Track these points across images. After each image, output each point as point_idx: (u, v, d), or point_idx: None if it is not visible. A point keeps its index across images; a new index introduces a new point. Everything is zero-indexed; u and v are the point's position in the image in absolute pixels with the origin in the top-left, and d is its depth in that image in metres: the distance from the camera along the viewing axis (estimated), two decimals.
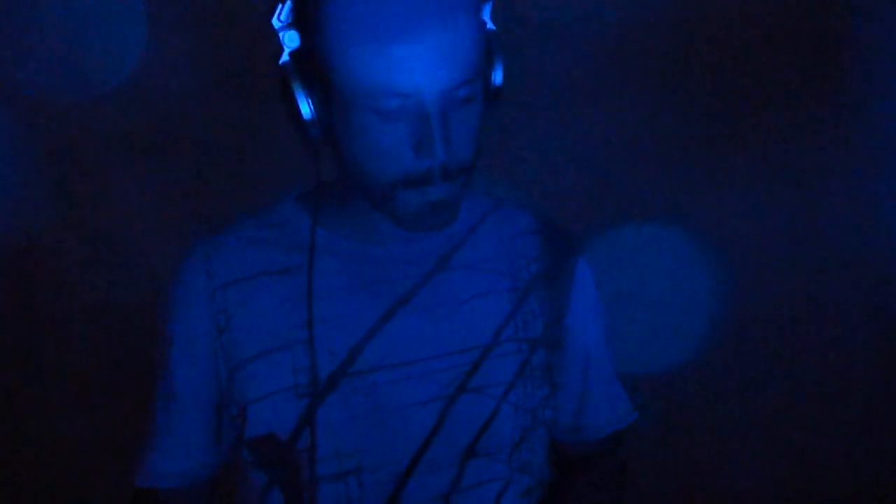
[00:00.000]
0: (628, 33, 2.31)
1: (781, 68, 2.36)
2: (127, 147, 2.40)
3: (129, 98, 2.36)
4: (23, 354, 2.43)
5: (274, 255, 1.19)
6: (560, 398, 1.26)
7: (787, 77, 2.37)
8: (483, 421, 1.16)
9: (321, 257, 1.18)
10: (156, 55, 2.35)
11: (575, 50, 2.31)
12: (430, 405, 1.15)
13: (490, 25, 1.10)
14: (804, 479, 2.45)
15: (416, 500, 1.15)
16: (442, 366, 1.16)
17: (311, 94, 1.09)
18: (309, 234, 1.18)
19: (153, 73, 2.36)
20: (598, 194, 2.34)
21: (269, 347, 1.15)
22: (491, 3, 1.10)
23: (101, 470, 2.40)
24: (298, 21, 1.08)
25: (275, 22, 1.09)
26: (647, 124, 2.32)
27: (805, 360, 2.41)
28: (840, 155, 2.39)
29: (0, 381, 2.43)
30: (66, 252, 2.41)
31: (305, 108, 1.09)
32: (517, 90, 2.42)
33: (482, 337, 1.17)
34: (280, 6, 1.08)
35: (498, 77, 1.11)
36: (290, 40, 1.09)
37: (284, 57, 1.10)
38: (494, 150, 2.46)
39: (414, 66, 1.01)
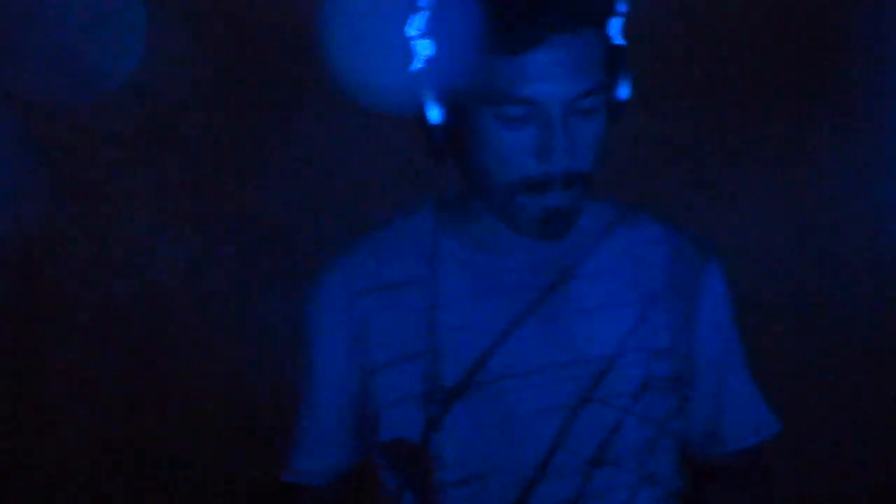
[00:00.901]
0: (630, 36, 2.30)
1: (783, 69, 2.37)
2: (127, 147, 2.40)
3: (129, 98, 2.35)
4: (23, 354, 2.43)
5: (404, 266, 1.23)
6: (693, 409, 1.27)
7: (788, 78, 2.37)
8: (608, 430, 1.19)
9: (448, 267, 1.22)
10: (156, 55, 2.35)
11: None
12: (555, 414, 1.19)
13: (619, 40, 1.14)
14: (805, 478, 2.44)
15: None
16: (567, 375, 1.19)
17: (438, 100, 1.14)
18: (434, 245, 1.23)
19: (154, 74, 2.35)
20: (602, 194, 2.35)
21: (399, 355, 1.21)
22: (622, 19, 1.14)
23: (103, 470, 2.40)
24: (434, 31, 1.13)
25: (409, 31, 1.15)
26: (647, 127, 2.31)
27: (806, 361, 2.39)
28: (842, 156, 2.39)
29: (1, 381, 2.42)
30: (67, 252, 2.41)
31: (434, 114, 1.14)
32: None
33: (607, 347, 1.20)
34: (414, 16, 1.14)
35: (623, 91, 1.16)
36: (424, 49, 1.14)
37: (417, 65, 1.15)
38: None
39: (541, 76, 1.06)
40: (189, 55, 2.36)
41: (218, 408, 2.43)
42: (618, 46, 1.14)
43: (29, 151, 2.37)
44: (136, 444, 2.43)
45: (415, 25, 1.14)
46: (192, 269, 2.42)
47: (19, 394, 2.43)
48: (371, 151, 2.43)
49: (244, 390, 2.42)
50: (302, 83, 2.37)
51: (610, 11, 1.12)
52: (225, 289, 2.44)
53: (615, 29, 1.13)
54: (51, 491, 2.43)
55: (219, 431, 2.42)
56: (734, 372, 1.32)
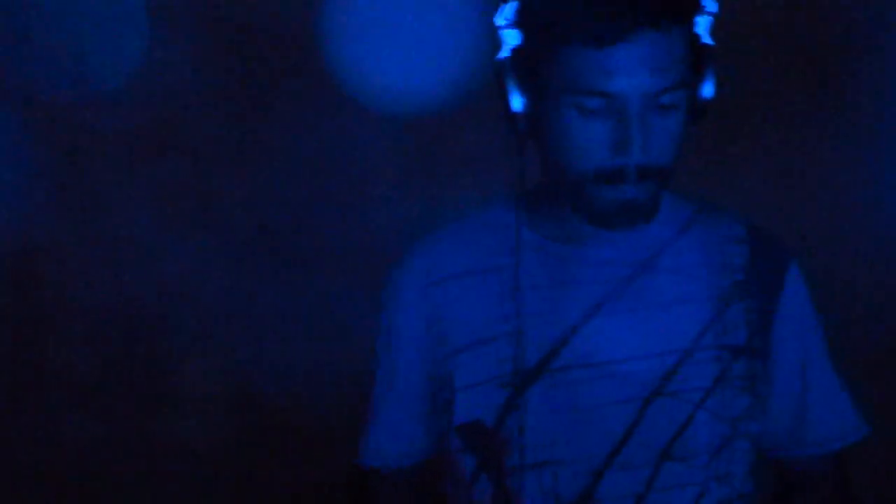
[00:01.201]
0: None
1: (782, 69, 2.36)
2: (129, 148, 2.40)
3: (130, 99, 2.36)
4: (25, 355, 2.42)
5: (484, 255, 1.26)
6: (773, 410, 1.27)
7: (786, 78, 2.37)
8: (679, 425, 1.20)
9: (528, 256, 1.23)
10: (158, 56, 2.35)
11: None
12: (627, 405, 1.20)
13: (706, 40, 1.15)
14: None
15: (610, 497, 1.20)
16: (640, 367, 1.20)
17: (522, 89, 1.15)
18: (514, 234, 1.24)
19: (155, 74, 2.35)
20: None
21: (477, 339, 1.23)
22: (710, 18, 1.15)
23: (104, 471, 2.40)
24: (521, 20, 1.14)
25: (498, 20, 1.15)
26: None
27: None
28: (842, 155, 2.38)
29: (2, 383, 2.41)
30: (68, 252, 2.40)
31: (516, 103, 1.15)
32: None
33: (682, 341, 1.21)
34: (504, 5, 1.15)
35: (707, 91, 1.16)
36: (511, 38, 1.15)
37: (503, 53, 1.16)
38: (499, 151, 2.46)
39: (621, 70, 1.08)
40: (190, 56, 2.36)
41: (219, 408, 2.43)
42: (704, 45, 1.15)
43: (30, 151, 2.37)
44: (137, 444, 2.42)
45: (504, 15, 1.15)
46: (193, 269, 2.42)
47: (20, 394, 2.42)
48: (371, 152, 2.43)
49: (246, 390, 2.42)
50: (303, 84, 2.38)
51: (697, 9, 1.13)
52: (226, 289, 2.44)
53: (702, 28, 1.15)
54: (51, 491, 2.42)
55: (220, 431, 2.42)
56: (818, 373, 1.31)
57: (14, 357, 2.41)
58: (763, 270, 1.26)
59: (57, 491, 2.41)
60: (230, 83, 2.41)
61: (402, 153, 2.43)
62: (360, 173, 2.44)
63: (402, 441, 1.32)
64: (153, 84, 2.37)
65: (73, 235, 2.41)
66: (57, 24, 2.35)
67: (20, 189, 2.37)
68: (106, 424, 2.41)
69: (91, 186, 2.41)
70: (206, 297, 2.44)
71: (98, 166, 2.41)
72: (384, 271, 1.33)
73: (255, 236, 2.44)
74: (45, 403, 2.42)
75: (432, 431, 1.31)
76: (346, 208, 2.44)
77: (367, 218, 2.44)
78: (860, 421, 1.34)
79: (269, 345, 2.45)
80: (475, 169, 2.41)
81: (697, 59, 1.15)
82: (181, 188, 2.42)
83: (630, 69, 1.08)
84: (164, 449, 2.41)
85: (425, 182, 2.43)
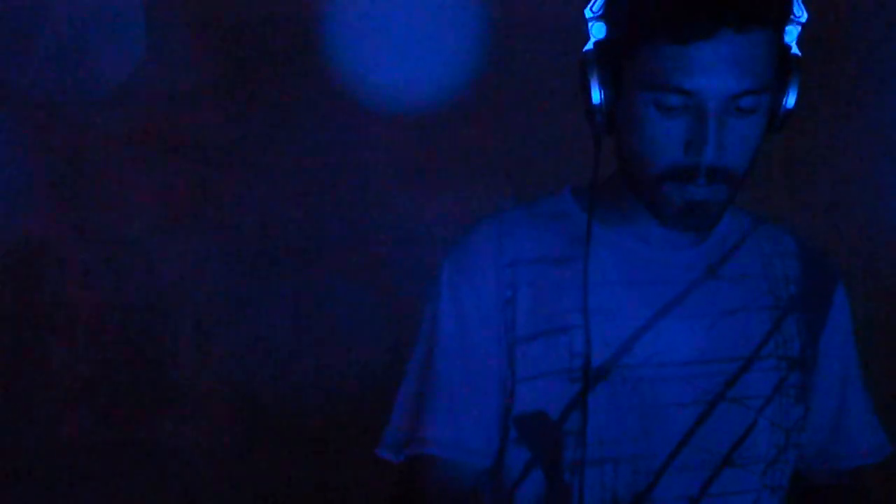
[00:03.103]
0: None
1: None
2: (131, 148, 2.40)
3: (133, 99, 2.35)
4: (24, 354, 2.41)
5: (554, 244, 1.24)
6: (813, 422, 1.29)
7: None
8: (741, 431, 1.21)
9: (597, 250, 1.22)
10: (160, 57, 2.34)
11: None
12: (690, 408, 1.21)
13: (795, 50, 1.16)
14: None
15: (666, 498, 1.21)
16: (705, 371, 1.21)
17: (603, 82, 1.16)
18: (585, 228, 1.22)
19: (157, 75, 2.35)
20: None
21: (546, 329, 1.21)
22: (799, 28, 1.15)
23: (103, 470, 2.39)
24: (608, 13, 1.15)
25: (587, 12, 1.16)
26: None
27: None
28: (842, 155, 2.38)
29: (5, 382, 2.40)
30: (71, 252, 2.39)
31: (596, 95, 1.16)
32: (531, 88, 2.41)
33: (745, 349, 1.22)
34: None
35: (789, 100, 1.16)
36: (598, 31, 1.16)
37: (588, 46, 1.16)
38: (503, 148, 2.45)
39: (701, 69, 1.08)
40: (193, 57, 2.36)
41: (219, 407, 2.42)
42: (790, 53, 1.15)
43: (30, 152, 2.36)
44: (136, 444, 2.42)
45: (591, 7, 1.15)
46: (192, 270, 2.41)
47: (20, 395, 2.41)
48: (372, 151, 2.43)
49: (246, 389, 2.42)
50: (304, 84, 2.37)
51: (784, 16, 1.13)
52: (226, 289, 2.43)
53: (790, 35, 1.15)
54: (50, 491, 2.41)
55: (220, 430, 2.42)
56: (854, 390, 1.33)
57: (14, 356, 2.40)
58: (814, 285, 1.28)
59: (57, 491, 2.40)
60: (230, 83, 2.40)
61: (403, 152, 2.43)
62: (360, 172, 2.43)
63: (468, 429, 1.23)
64: (153, 84, 2.36)
65: (74, 235, 2.39)
66: (58, 24, 2.35)
67: (21, 188, 2.36)
68: (106, 423, 2.40)
69: (91, 186, 2.41)
70: (206, 297, 2.44)
71: (102, 167, 2.41)
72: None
73: (255, 236, 2.44)
74: (45, 402, 2.40)
75: (498, 423, 1.24)
76: (346, 207, 2.43)
77: (367, 217, 2.44)
78: (886, 441, 1.36)
79: (270, 343, 2.45)
80: (475, 169, 2.41)
81: (782, 66, 1.14)
82: (181, 188, 2.42)
83: (711, 68, 1.08)
84: (164, 448, 2.41)
85: (425, 182, 2.43)
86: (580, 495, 1.19)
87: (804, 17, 1.15)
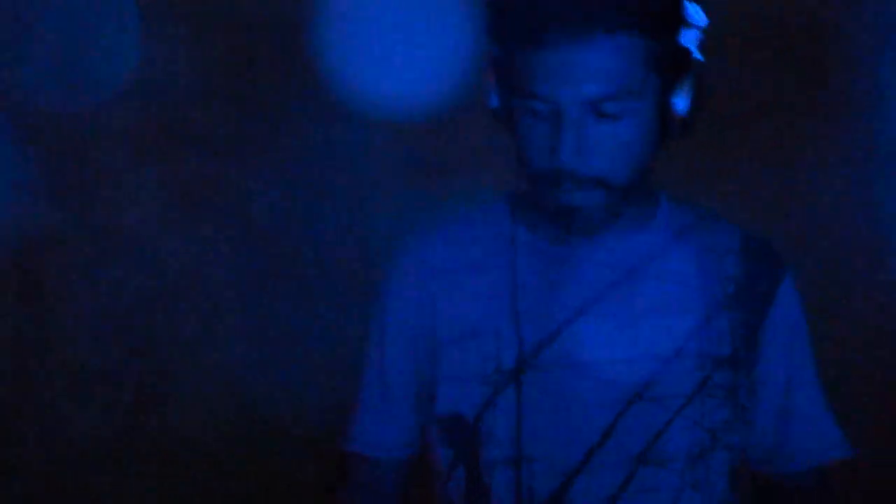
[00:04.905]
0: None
1: (781, 67, 2.36)
2: (136, 146, 2.41)
3: (137, 97, 2.37)
4: (27, 351, 2.43)
5: (481, 251, 1.27)
6: (757, 423, 1.28)
7: (786, 75, 2.37)
8: (656, 429, 1.21)
9: (521, 255, 1.25)
10: (164, 55, 2.36)
11: None
12: (607, 408, 1.21)
13: (694, 54, 1.15)
14: None
15: (584, 496, 1.21)
16: (623, 371, 1.21)
17: (496, 89, 1.20)
18: (510, 233, 1.27)
19: (164, 69, 2.36)
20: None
21: (466, 334, 1.25)
22: (695, 31, 1.15)
23: (106, 467, 2.40)
24: (489, 23, 1.18)
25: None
26: None
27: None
28: (841, 154, 2.39)
29: (10, 375, 2.43)
30: (76, 245, 2.41)
31: (493, 101, 1.21)
32: None
33: (665, 348, 1.22)
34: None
35: (680, 105, 1.16)
36: (486, 40, 1.19)
37: (485, 54, 1.20)
38: (499, 150, 2.45)
39: (554, 75, 1.10)
40: (197, 54, 2.37)
41: (221, 405, 2.44)
42: (684, 57, 1.15)
43: (33, 149, 2.38)
44: (138, 441, 2.43)
45: (483, 17, 1.19)
46: (198, 263, 2.43)
47: (25, 388, 2.43)
48: (379, 146, 2.44)
49: (249, 385, 2.43)
50: (311, 78, 2.38)
51: (662, 21, 1.13)
52: (229, 286, 2.45)
53: (687, 40, 1.15)
54: (54, 489, 2.43)
55: (222, 428, 2.43)
56: (803, 387, 1.31)
57: (19, 349, 2.42)
58: (755, 283, 1.26)
59: (60, 489, 2.42)
60: (237, 77, 2.41)
61: (408, 148, 2.44)
62: (365, 167, 2.45)
63: (389, 428, 1.34)
64: (161, 78, 2.38)
65: (79, 228, 2.42)
66: (65, 24, 2.36)
67: (27, 181, 2.37)
68: (111, 416, 2.42)
69: (97, 179, 2.42)
70: (211, 290, 2.45)
71: (107, 165, 2.42)
72: (383, 269, 1.35)
73: (261, 230, 2.45)
74: (50, 395, 2.43)
75: (417, 425, 1.33)
76: (353, 202, 2.45)
77: (371, 212, 2.45)
78: (843, 440, 1.33)
79: (272, 340, 2.46)
80: (475, 169, 2.42)
81: (668, 71, 1.14)
82: (187, 182, 2.43)
83: (563, 75, 1.09)
84: (170, 439, 2.42)
85: (425, 182, 2.44)
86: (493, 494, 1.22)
87: (703, 21, 1.15)
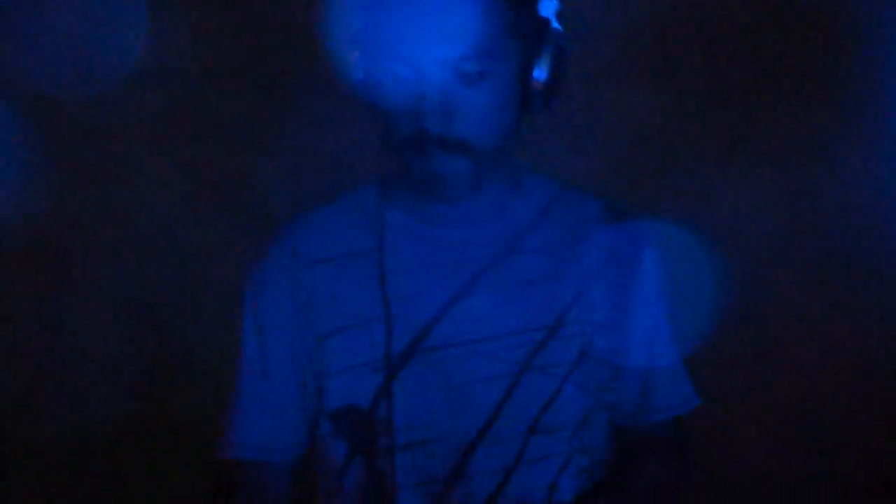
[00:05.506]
0: (644, 21, 2.33)
1: (783, 63, 2.36)
2: (154, 133, 2.38)
3: (158, 80, 2.33)
4: (51, 339, 2.44)
5: (353, 238, 1.26)
6: (624, 381, 1.32)
7: (789, 72, 2.37)
8: (546, 399, 1.24)
9: (394, 238, 1.25)
10: (183, 41, 2.33)
11: (597, 33, 2.32)
12: (497, 381, 1.23)
13: (555, 24, 1.16)
14: (809, 475, 2.45)
15: (482, 471, 1.23)
16: (508, 344, 1.23)
17: (355, 59, 1.18)
18: (379, 217, 1.26)
19: (182, 56, 2.33)
20: (609, 179, 2.36)
21: (348, 324, 1.24)
22: (553, 1, 1.15)
23: (129, 451, 2.42)
24: None
25: None
26: (648, 120, 2.34)
27: (815, 353, 2.41)
28: (844, 152, 2.40)
29: (33, 359, 2.43)
30: (97, 232, 2.41)
31: (356, 72, 1.18)
32: None
33: (547, 318, 1.24)
34: None
35: (541, 72, 1.16)
36: (347, 13, 1.18)
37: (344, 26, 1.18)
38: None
39: (412, 35, 1.09)
40: (215, 40, 2.37)
41: None
42: (545, 27, 1.16)
43: (53, 139, 2.35)
44: (161, 426, 2.45)
45: None
46: (218, 248, 2.44)
47: (48, 371, 2.43)
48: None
49: None
50: (331, 72, 2.39)
51: None
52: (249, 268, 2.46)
53: (546, 9, 1.16)
54: (74, 471, 2.44)
55: None
56: (664, 344, 1.36)
57: (42, 334, 2.41)
58: (622, 249, 1.29)
59: (83, 472, 2.43)
60: (257, 64, 2.36)
61: None
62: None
63: (270, 430, 1.29)
64: (179, 64, 2.32)
65: (100, 214, 2.40)
66: (81, 10, 2.37)
67: (47, 171, 2.36)
68: (131, 399, 2.41)
69: (117, 166, 2.38)
70: (230, 276, 2.46)
71: (124, 146, 2.37)
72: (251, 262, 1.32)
73: (279, 217, 2.44)
74: (73, 379, 2.41)
75: (301, 421, 1.30)
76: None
77: None
78: (694, 392, 1.39)
79: None
80: None
81: (528, 37, 1.14)
82: (207, 168, 2.39)
83: (421, 35, 1.09)
84: (189, 423, 2.43)
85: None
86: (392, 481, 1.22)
87: None
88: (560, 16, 1.17)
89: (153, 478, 2.44)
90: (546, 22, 1.16)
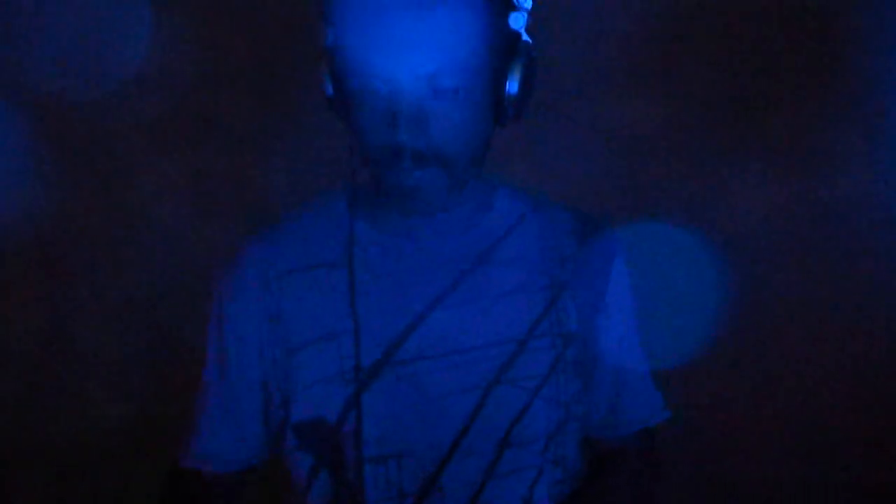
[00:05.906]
0: (644, 28, 2.32)
1: (785, 63, 2.36)
2: (155, 136, 2.39)
3: (164, 83, 2.34)
4: (54, 341, 2.45)
5: (323, 249, 1.25)
6: (593, 394, 1.32)
7: (791, 72, 2.36)
8: (517, 412, 1.23)
9: (366, 251, 1.24)
10: (184, 45, 2.33)
11: (598, 38, 2.32)
12: (468, 395, 1.22)
13: (524, 37, 1.16)
14: (811, 475, 2.45)
15: (453, 484, 1.23)
16: (480, 357, 1.22)
17: (330, 73, 1.17)
18: (348, 228, 1.25)
19: (188, 58, 2.33)
20: (611, 184, 2.35)
21: (318, 336, 1.23)
22: (523, 14, 1.15)
23: (133, 451, 2.42)
24: (322, 11, 1.16)
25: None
26: (650, 120, 2.33)
27: (817, 355, 2.40)
28: (847, 151, 2.39)
29: (36, 361, 2.44)
30: (101, 235, 2.42)
31: (328, 87, 1.18)
32: (545, 90, 2.43)
33: (518, 331, 1.24)
34: None
35: (512, 85, 1.16)
36: (320, 30, 1.17)
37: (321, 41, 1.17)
38: (519, 138, 2.47)
39: (388, 51, 1.09)
40: (218, 42, 2.37)
41: None
42: (516, 40, 1.15)
43: (57, 141, 2.36)
44: (161, 427, 2.46)
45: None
46: (221, 251, 2.45)
47: (51, 374, 2.44)
48: None
49: None
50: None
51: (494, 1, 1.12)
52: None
53: (515, 22, 1.15)
54: (76, 473, 2.44)
55: None
56: (633, 356, 1.36)
57: (44, 336, 2.42)
58: (592, 261, 1.29)
59: (84, 472, 2.42)
60: (263, 67, 2.37)
61: None
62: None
63: (230, 442, 1.29)
64: (185, 67, 2.33)
65: (104, 217, 2.40)
66: (83, 12, 2.38)
67: (48, 173, 2.36)
68: (134, 402, 2.42)
69: (122, 169, 2.39)
70: None
71: (129, 148, 2.39)
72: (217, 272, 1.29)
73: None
74: (75, 381, 2.43)
75: (264, 434, 1.29)
76: None
77: None
78: (663, 404, 1.39)
79: None
80: (497, 162, 2.43)
81: (500, 52, 1.14)
82: (212, 171, 2.40)
83: (397, 51, 1.09)
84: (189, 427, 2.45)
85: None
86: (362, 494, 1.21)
87: (528, 4, 1.16)
88: (529, 29, 1.17)
89: (153, 479, 2.44)
90: (517, 35, 1.16)
